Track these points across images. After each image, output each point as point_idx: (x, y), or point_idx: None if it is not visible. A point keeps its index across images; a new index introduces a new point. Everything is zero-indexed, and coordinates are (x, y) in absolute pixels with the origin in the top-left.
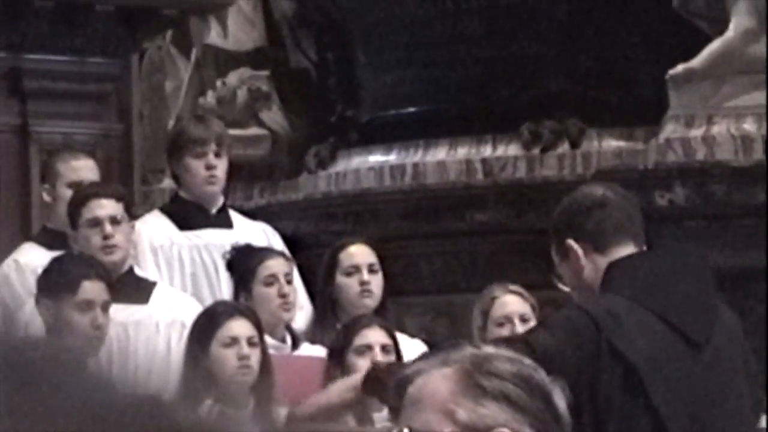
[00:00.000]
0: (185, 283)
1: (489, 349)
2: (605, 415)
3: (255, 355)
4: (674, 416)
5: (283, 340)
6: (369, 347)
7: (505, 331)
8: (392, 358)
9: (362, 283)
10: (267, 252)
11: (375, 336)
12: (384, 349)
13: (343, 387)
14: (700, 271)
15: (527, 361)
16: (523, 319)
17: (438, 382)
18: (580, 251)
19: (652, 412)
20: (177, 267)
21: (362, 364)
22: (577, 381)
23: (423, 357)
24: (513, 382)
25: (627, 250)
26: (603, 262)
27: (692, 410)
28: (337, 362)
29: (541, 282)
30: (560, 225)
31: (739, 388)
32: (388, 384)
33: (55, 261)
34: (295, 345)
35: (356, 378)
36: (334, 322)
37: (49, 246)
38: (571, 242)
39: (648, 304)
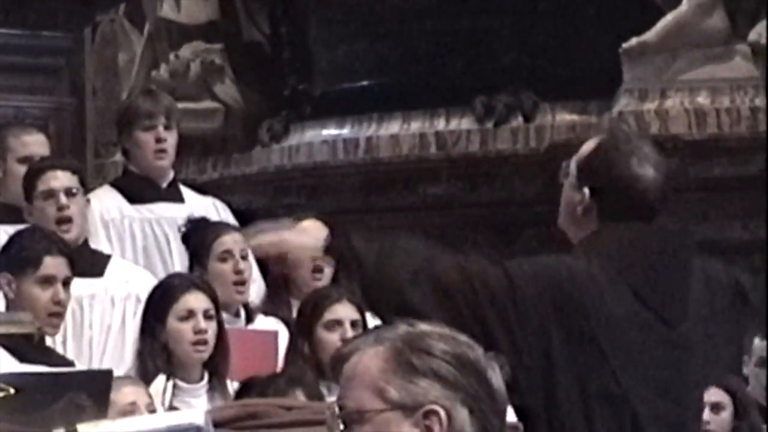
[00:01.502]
0: (137, 256)
1: (423, 327)
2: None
3: (211, 329)
4: (641, 394)
5: (237, 314)
6: (339, 322)
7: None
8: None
9: (313, 259)
10: (222, 227)
11: (345, 311)
12: (353, 324)
13: None
14: (681, 248)
15: (462, 338)
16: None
17: (370, 360)
18: (587, 202)
19: (619, 386)
20: (129, 241)
21: (332, 339)
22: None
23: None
24: (444, 359)
25: (630, 222)
26: (596, 224)
27: (660, 387)
28: (304, 335)
29: (494, 255)
30: (590, 166)
31: (709, 369)
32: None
33: (16, 235)
34: (250, 318)
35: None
36: (287, 297)
37: (1, 220)
38: (585, 191)
39: (625, 277)
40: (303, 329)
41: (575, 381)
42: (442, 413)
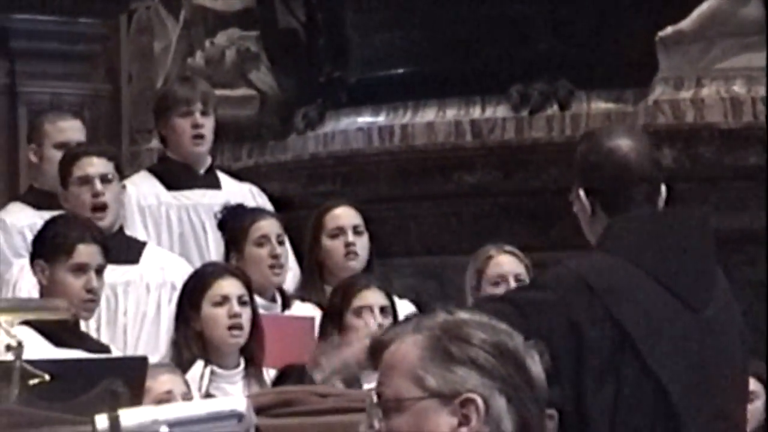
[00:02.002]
0: (173, 243)
1: (462, 315)
2: (601, 377)
3: (246, 314)
4: (674, 379)
5: (273, 300)
6: (368, 308)
7: (499, 291)
8: (390, 319)
9: (347, 245)
10: (259, 212)
11: (374, 297)
12: (382, 310)
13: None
14: (701, 234)
15: (501, 326)
16: (518, 279)
17: (408, 348)
18: (587, 204)
19: (650, 375)
20: (165, 227)
21: (361, 325)
22: (565, 340)
23: (400, 323)
24: (483, 347)
25: (634, 209)
26: (606, 219)
27: (692, 373)
28: (335, 323)
29: (529, 244)
30: (576, 171)
31: (735, 353)
32: None
33: (50, 222)
34: (286, 305)
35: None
36: (321, 284)
37: (36, 206)
38: (581, 193)
39: (645, 265)
40: (333, 316)
41: (606, 371)
42: (480, 402)
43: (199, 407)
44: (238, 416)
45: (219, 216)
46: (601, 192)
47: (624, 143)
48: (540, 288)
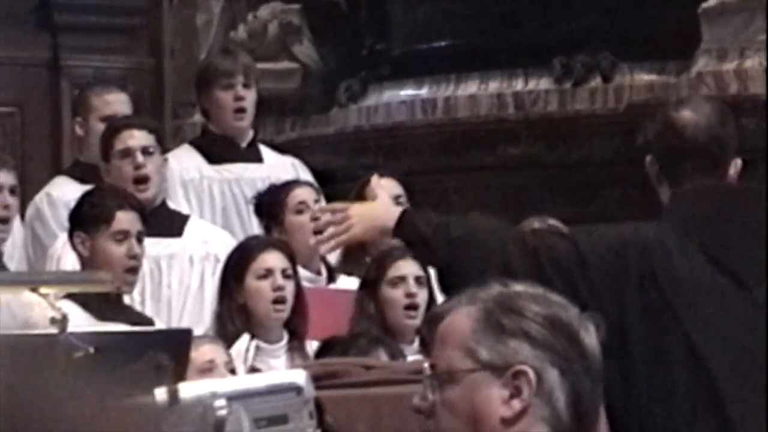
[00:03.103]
0: (216, 216)
1: (516, 288)
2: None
3: (289, 287)
4: (716, 356)
5: (319, 273)
6: (403, 279)
7: None
8: (425, 290)
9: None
10: (293, 182)
11: (408, 267)
12: (417, 280)
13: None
14: (755, 209)
15: (556, 298)
16: None
17: (461, 321)
18: (652, 173)
19: (690, 349)
20: (207, 201)
21: (396, 296)
22: (611, 299)
23: (456, 295)
24: (535, 320)
25: (687, 182)
26: (668, 190)
27: (738, 353)
28: (370, 294)
29: (571, 216)
30: (647, 141)
31: None
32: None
33: (87, 194)
34: (331, 278)
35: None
36: (362, 256)
37: (81, 179)
38: (648, 162)
39: (699, 240)
40: (368, 287)
41: (651, 349)
42: (531, 373)
43: (257, 380)
44: (297, 389)
45: (254, 201)
46: (660, 162)
47: (685, 115)
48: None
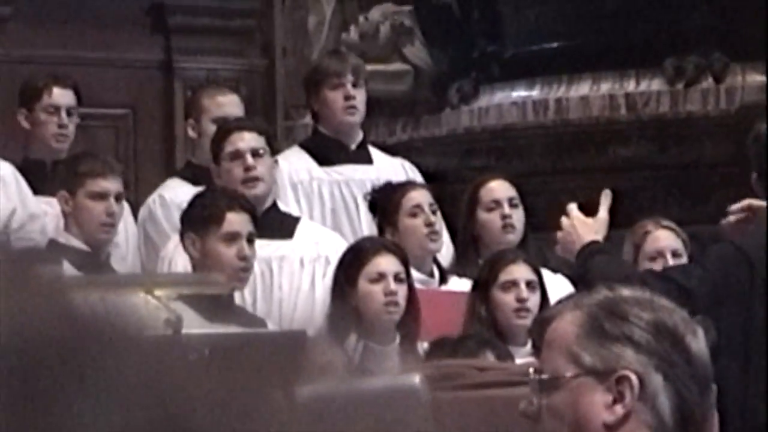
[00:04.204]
0: (325, 218)
1: (623, 292)
2: (754, 353)
3: (402, 291)
4: None
5: (431, 275)
6: (514, 283)
7: (657, 266)
8: (537, 294)
9: (503, 217)
10: (409, 184)
11: (520, 272)
12: (529, 284)
13: None
14: None
15: (662, 302)
16: (675, 254)
17: (566, 326)
18: (756, 186)
19: None
20: (317, 202)
21: (507, 300)
22: (730, 317)
23: (564, 299)
24: (638, 324)
25: None
26: None
27: None
28: (482, 297)
29: (684, 217)
30: (749, 154)
31: None
32: None
33: (198, 196)
34: (443, 279)
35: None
36: (475, 258)
37: (194, 181)
38: (753, 176)
39: None
40: (480, 290)
41: None
42: (634, 378)
43: (374, 381)
44: (414, 390)
45: (368, 197)
46: (759, 175)
47: None
48: (704, 265)
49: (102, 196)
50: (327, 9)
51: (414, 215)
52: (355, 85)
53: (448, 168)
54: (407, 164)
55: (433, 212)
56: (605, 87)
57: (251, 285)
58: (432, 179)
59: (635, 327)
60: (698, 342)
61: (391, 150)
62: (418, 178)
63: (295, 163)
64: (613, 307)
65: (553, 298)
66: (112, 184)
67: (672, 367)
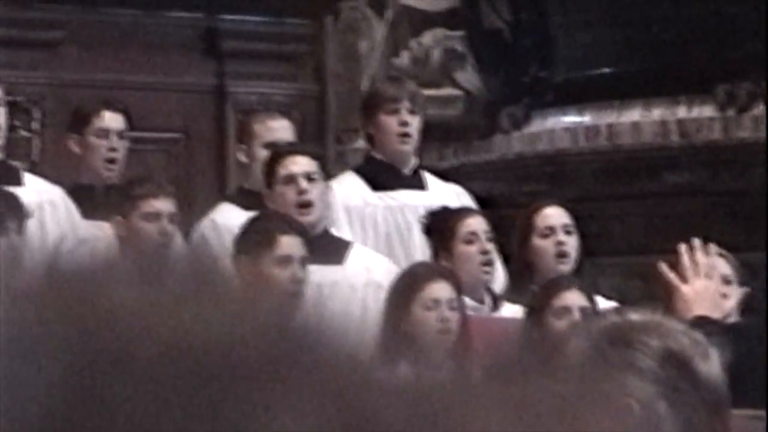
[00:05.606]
0: (379, 244)
1: (632, 317)
2: None
3: (455, 318)
4: None
5: (482, 302)
6: (568, 309)
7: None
8: None
9: (558, 244)
10: (466, 211)
11: (574, 298)
12: (583, 311)
13: None
14: None
15: (671, 325)
16: (727, 281)
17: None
18: None
19: None
20: (371, 228)
21: (561, 326)
22: None
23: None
24: (643, 351)
25: None
26: None
27: None
28: (535, 323)
29: (736, 244)
30: None
31: None
32: None
33: (251, 219)
34: (495, 306)
35: None
36: (529, 284)
37: (245, 206)
38: None
39: None
40: (533, 316)
41: None
42: (636, 406)
43: None
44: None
45: (423, 221)
46: None
47: None
48: None
49: (155, 216)
50: (378, 33)
51: (469, 242)
52: (411, 112)
53: (499, 193)
54: (460, 190)
55: (489, 240)
56: (657, 113)
57: (302, 310)
58: (483, 204)
59: (640, 354)
60: (709, 364)
61: (441, 175)
62: (471, 204)
63: (348, 188)
64: (619, 334)
65: None
66: (164, 205)
67: (677, 394)
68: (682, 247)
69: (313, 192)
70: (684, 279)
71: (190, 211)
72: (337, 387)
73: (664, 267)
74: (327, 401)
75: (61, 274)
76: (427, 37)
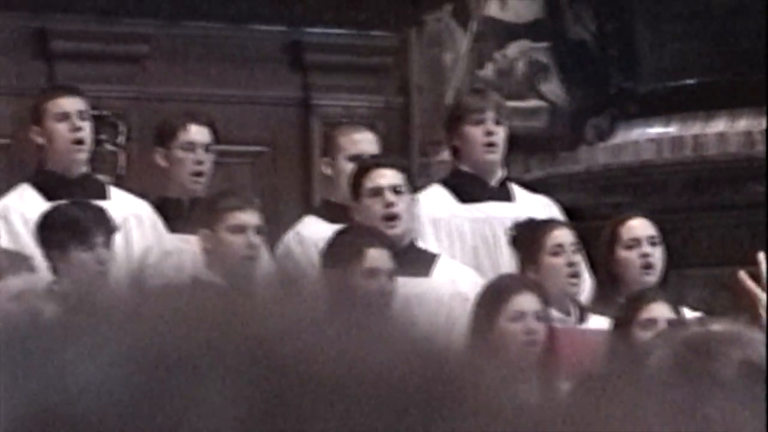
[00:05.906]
0: (466, 256)
1: (712, 327)
2: None
3: (541, 330)
4: None
5: (568, 313)
6: (654, 322)
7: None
8: None
9: (643, 256)
10: (553, 223)
11: (660, 310)
12: (669, 323)
13: None
14: None
15: (753, 335)
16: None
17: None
18: None
19: None
20: (458, 240)
21: (647, 338)
22: None
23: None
24: (723, 362)
25: None
26: None
27: None
28: (622, 335)
29: None
30: None
31: None
32: None
33: (338, 232)
34: (582, 318)
35: None
36: (615, 296)
37: (330, 219)
38: None
39: None
40: (620, 329)
41: None
42: (716, 417)
43: None
44: None
45: (510, 233)
46: None
47: None
48: None
49: (241, 229)
50: (462, 46)
51: (556, 254)
52: (496, 123)
53: (585, 204)
54: (547, 201)
55: (575, 252)
56: (742, 123)
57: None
58: (568, 215)
59: (719, 365)
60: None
61: (527, 186)
62: (559, 215)
63: (435, 200)
64: (699, 344)
65: None
66: (250, 217)
67: (757, 404)
68: (761, 256)
69: (400, 205)
70: (764, 287)
71: (276, 224)
72: (497, 407)
73: (743, 276)
74: (493, 423)
75: (210, 290)
76: (512, 49)
